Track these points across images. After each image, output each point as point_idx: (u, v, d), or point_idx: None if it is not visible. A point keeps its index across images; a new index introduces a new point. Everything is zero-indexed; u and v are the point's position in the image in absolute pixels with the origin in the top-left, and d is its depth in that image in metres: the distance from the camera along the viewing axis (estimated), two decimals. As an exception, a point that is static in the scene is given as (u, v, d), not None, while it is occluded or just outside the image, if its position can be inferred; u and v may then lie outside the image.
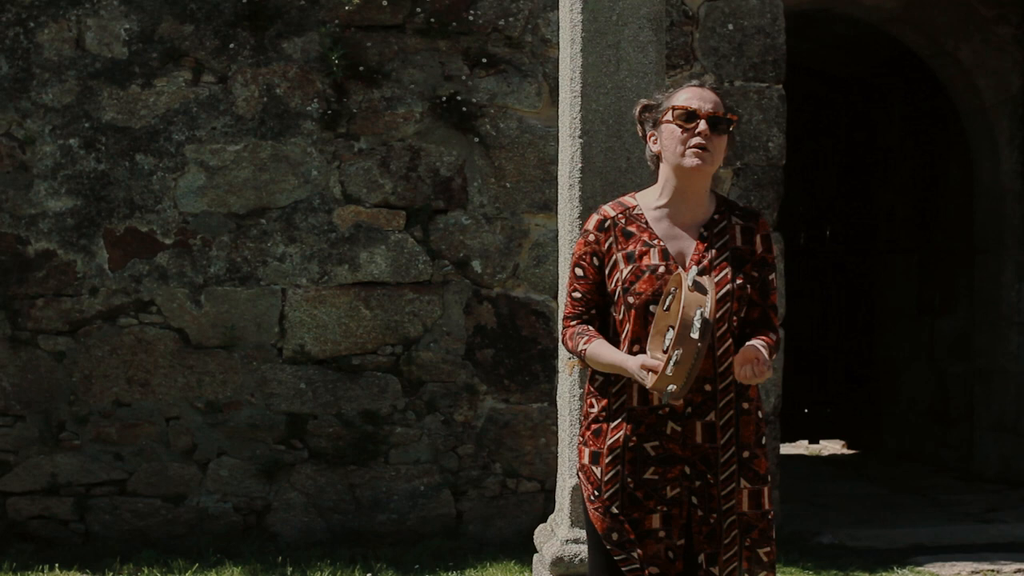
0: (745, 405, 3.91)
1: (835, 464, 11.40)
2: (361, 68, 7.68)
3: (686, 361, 3.59)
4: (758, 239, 3.97)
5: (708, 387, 3.87)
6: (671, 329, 3.73)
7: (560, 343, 4.09)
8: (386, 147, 7.73)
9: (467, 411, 7.78)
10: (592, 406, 3.95)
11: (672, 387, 3.64)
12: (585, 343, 3.88)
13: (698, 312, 3.60)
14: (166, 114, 7.61)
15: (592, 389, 3.96)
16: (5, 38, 7.59)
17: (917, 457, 11.05)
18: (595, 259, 3.92)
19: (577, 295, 3.94)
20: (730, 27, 8.04)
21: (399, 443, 7.74)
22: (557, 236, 7.57)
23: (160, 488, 7.61)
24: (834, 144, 12.23)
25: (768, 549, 3.92)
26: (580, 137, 4.49)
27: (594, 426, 3.93)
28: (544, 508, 7.77)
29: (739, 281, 3.86)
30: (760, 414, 3.95)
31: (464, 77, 7.77)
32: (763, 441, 3.94)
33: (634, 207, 3.96)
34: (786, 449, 11.98)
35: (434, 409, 7.76)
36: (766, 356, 3.77)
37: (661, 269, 3.85)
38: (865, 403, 11.95)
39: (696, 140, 3.86)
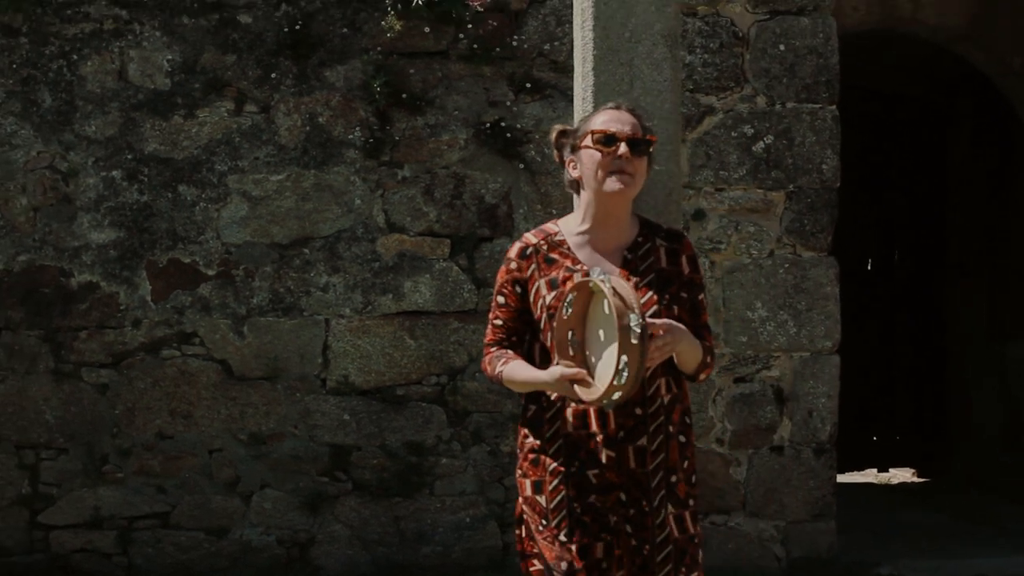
0: (671, 429, 3.86)
1: (904, 492, 11.18)
2: (404, 95, 7.64)
3: (632, 367, 3.55)
4: (684, 260, 3.93)
5: (639, 411, 3.82)
6: (571, 333, 3.70)
7: (482, 369, 4.06)
8: (430, 175, 7.68)
9: (513, 441, 7.62)
10: (527, 436, 3.90)
11: (618, 394, 3.59)
12: (502, 364, 3.85)
13: (632, 317, 3.55)
14: (208, 144, 7.59)
15: (527, 419, 3.91)
16: (49, 71, 7.60)
17: (988, 485, 10.81)
18: (517, 287, 3.90)
19: (498, 322, 3.93)
20: (782, 48, 7.90)
21: (444, 474, 7.66)
22: None
23: (203, 521, 7.57)
24: (902, 166, 12.04)
25: (696, 575, 3.88)
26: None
27: (531, 456, 3.87)
28: None
29: (665, 301, 3.82)
30: (682, 438, 3.90)
31: (509, 103, 7.71)
32: (686, 464, 3.90)
33: (555, 233, 3.94)
34: (855, 477, 11.78)
35: (480, 440, 7.68)
36: (676, 332, 3.71)
37: (559, 304, 3.79)
38: (935, 430, 11.72)
39: (617, 164, 3.81)
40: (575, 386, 3.68)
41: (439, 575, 7.54)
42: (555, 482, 3.82)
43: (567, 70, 7.65)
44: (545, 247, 3.92)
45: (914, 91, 11.82)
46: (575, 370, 3.68)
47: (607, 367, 3.62)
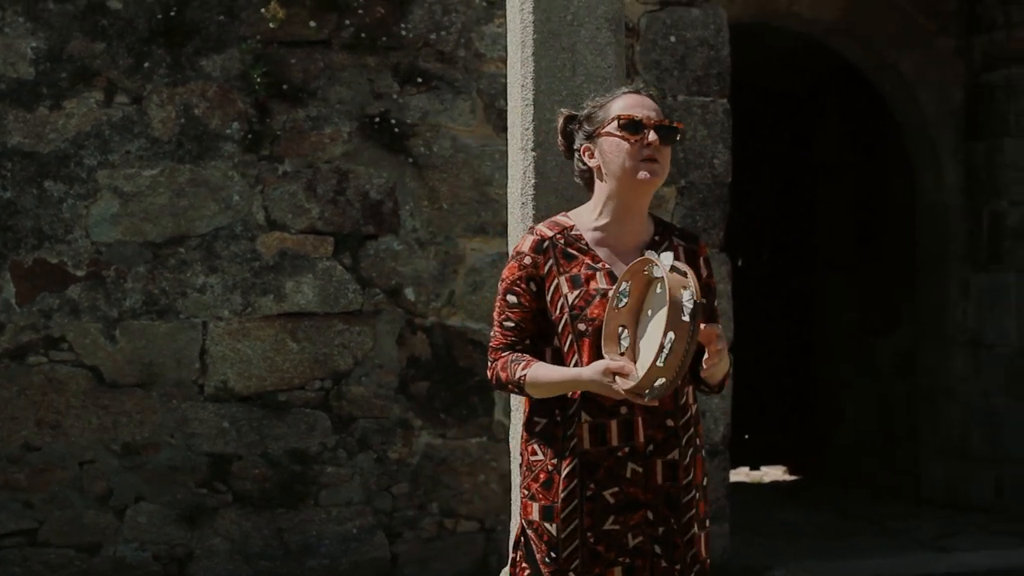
0: (698, 442, 3.62)
1: (779, 491, 11.15)
2: (285, 86, 7.33)
3: (679, 348, 3.24)
4: (701, 263, 3.68)
5: (670, 422, 3.54)
6: (623, 329, 3.39)
7: (489, 378, 3.69)
8: (312, 169, 7.39)
9: (401, 448, 7.46)
10: (536, 454, 3.57)
11: (662, 380, 3.27)
12: (524, 368, 3.51)
13: (685, 293, 3.26)
14: (76, 137, 7.18)
15: (535, 434, 3.58)
16: (-100, 57, 7.11)
17: (862, 481, 10.82)
18: (532, 284, 3.57)
19: (510, 324, 3.58)
20: (672, 39, 7.74)
21: (329, 483, 7.39)
22: (495, 261, 7.41)
23: (74, 537, 7.17)
24: (771, 161, 11.98)
25: None
26: (533, 150, 4.09)
27: (543, 477, 3.55)
28: (484, 549, 7.48)
29: None
30: (703, 453, 3.68)
31: (394, 95, 7.45)
32: (705, 482, 3.67)
33: (571, 227, 3.63)
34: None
35: (366, 447, 7.42)
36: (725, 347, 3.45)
37: (611, 293, 3.50)
38: (807, 427, 11.70)
39: (646, 152, 3.54)
40: (617, 379, 3.35)
41: (326, 589, 7.26)
42: (568, 509, 3.52)
43: (454, 61, 7.50)
44: (562, 241, 3.60)
45: (783, 85, 11.79)
46: (621, 362, 3.37)
47: (650, 349, 3.30)
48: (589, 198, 3.79)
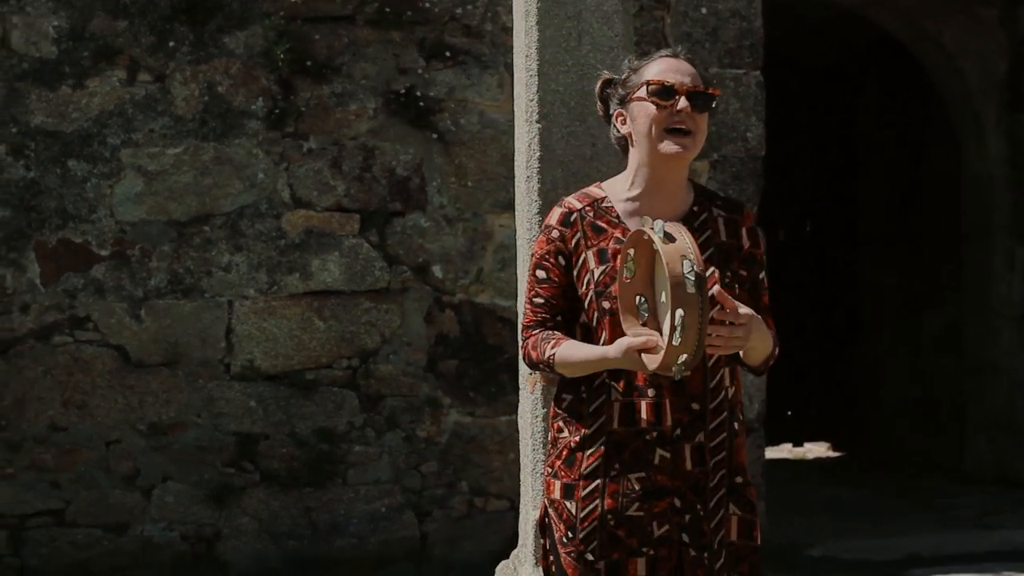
0: (737, 426, 3.43)
1: (821, 468, 11.05)
2: (309, 63, 7.27)
3: (691, 322, 3.10)
4: (744, 233, 3.47)
5: (696, 406, 3.37)
6: (640, 299, 3.26)
7: (521, 357, 3.57)
8: (337, 146, 7.33)
9: (430, 426, 7.41)
10: (561, 431, 3.43)
11: (684, 356, 3.13)
12: (553, 347, 3.37)
13: (685, 263, 3.11)
14: (100, 116, 7.15)
15: (560, 411, 3.45)
16: (-76, 38, 7.11)
17: (905, 458, 10.71)
18: (560, 258, 3.41)
19: (539, 300, 3.43)
20: (703, 10, 7.61)
21: (358, 462, 7.35)
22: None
23: (101, 517, 7.17)
24: (812, 135, 11.85)
25: None
26: (538, 122, 3.98)
27: (566, 454, 3.41)
28: (514, 528, 7.34)
29: (727, 280, 3.37)
30: (743, 437, 3.48)
31: (420, 70, 7.38)
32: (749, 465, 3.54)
33: (603, 198, 3.46)
34: (769, 453, 11.56)
35: (395, 425, 7.38)
36: (752, 322, 3.26)
37: (618, 266, 3.35)
38: (850, 403, 11.57)
39: (676, 120, 3.36)
40: (643, 356, 3.22)
41: (354, 568, 7.26)
42: (589, 488, 3.38)
43: (481, 35, 7.42)
44: (591, 213, 3.43)
45: (823, 59, 11.63)
46: (643, 338, 3.22)
47: (666, 327, 3.16)
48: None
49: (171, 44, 7.21)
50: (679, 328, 3.11)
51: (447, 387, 7.41)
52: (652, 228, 3.20)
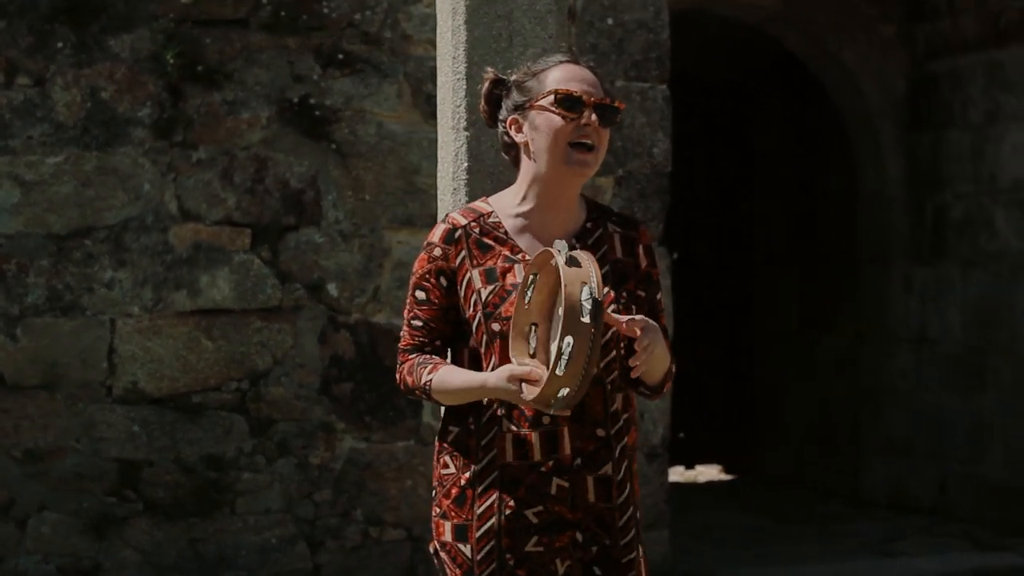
0: (632, 454, 3.26)
1: (714, 491, 10.97)
2: (199, 68, 7.04)
3: (580, 354, 2.89)
4: (640, 251, 3.30)
5: (600, 432, 3.18)
6: (533, 327, 3.06)
7: (396, 384, 3.37)
8: (228, 157, 7.09)
9: (323, 452, 7.19)
10: (447, 467, 3.23)
11: (565, 391, 2.93)
12: (430, 373, 3.18)
13: (584, 289, 2.92)
14: (-26, 122, 6.87)
15: (446, 445, 3.24)
16: None
17: (799, 482, 10.65)
18: (442, 279, 3.23)
19: (418, 323, 3.24)
20: (610, 21, 7.42)
21: (247, 491, 7.12)
22: None
23: (-28, 550, 6.89)
24: (709, 153, 11.73)
25: None
26: (466, 130, 3.68)
27: (455, 492, 3.20)
28: (411, 558, 7.27)
29: (623, 301, 3.20)
30: (636, 466, 3.32)
31: (316, 78, 7.16)
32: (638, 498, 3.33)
33: (489, 213, 3.27)
34: (662, 476, 11.46)
35: (286, 451, 7.16)
36: (654, 333, 3.07)
37: (518, 288, 3.15)
38: (745, 425, 11.48)
39: (581, 134, 3.18)
40: (523, 387, 3.01)
41: (243, 603, 7.06)
42: (484, 527, 3.17)
43: (380, 42, 7.23)
44: (477, 230, 3.25)
45: (724, 75, 11.54)
46: (527, 368, 3.02)
47: (552, 356, 2.97)
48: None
49: (51, 46, 6.94)
50: (565, 358, 2.90)
51: (341, 411, 7.21)
52: (558, 251, 2.98)
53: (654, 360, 3.09)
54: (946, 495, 9.33)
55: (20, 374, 6.90)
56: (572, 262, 2.96)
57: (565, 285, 2.91)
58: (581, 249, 3.13)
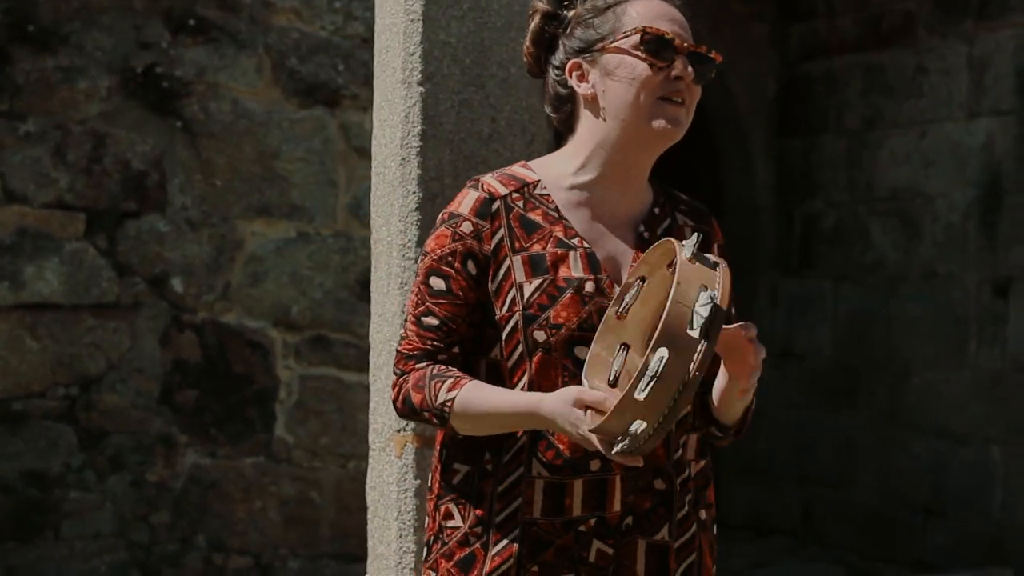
0: (703, 515, 2.55)
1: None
2: (30, 28, 6.55)
3: (673, 377, 2.10)
4: (715, 250, 2.62)
5: (660, 483, 2.46)
6: (623, 348, 2.31)
7: (392, 400, 2.54)
8: (62, 131, 6.65)
9: (162, 469, 6.82)
10: (451, 516, 2.49)
11: (641, 426, 2.13)
12: (451, 390, 2.40)
13: (703, 295, 2.15)
14: None
15: (448, 489, 2.51)
16: None
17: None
18: (470, 264, 2.46)
19: (431, 321, 2.46)
20: None
21: (74, 512, 6.67)
22: (280, 249, 6.85)
23: None
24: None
25: None
26: (420, 84, 2.96)
27: (459, 552, 2.46)
28: None
29: None
30: (715, 529, 2.63)
31: (165, 45, 6.76)
32: (715, 569, 2.61)
33: (536, 183, 2.52)
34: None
35: (120, 467, 6.75)
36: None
37: (590, 287, 2.43)
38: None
39: (673, 88, 2.46)
40: (588, 414, 2.24)
41: (66, 640, 6.61)
42: None
43: (237, 9, 6.87)
44: (521, 203, 2.49)
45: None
46: (602, 395, 2.24)
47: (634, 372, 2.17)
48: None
49: None
50: (651, 377, 2.11)
51: (184, 423, 6.86)
52: (683, 245, 2.24)
53: (734, 390, 2.41)
54: (811, 519, 9.17)
55: None
56: (701, 259, 2.22)
57: (678, 283, 2.15)
58: (651, 238, 2.46)
